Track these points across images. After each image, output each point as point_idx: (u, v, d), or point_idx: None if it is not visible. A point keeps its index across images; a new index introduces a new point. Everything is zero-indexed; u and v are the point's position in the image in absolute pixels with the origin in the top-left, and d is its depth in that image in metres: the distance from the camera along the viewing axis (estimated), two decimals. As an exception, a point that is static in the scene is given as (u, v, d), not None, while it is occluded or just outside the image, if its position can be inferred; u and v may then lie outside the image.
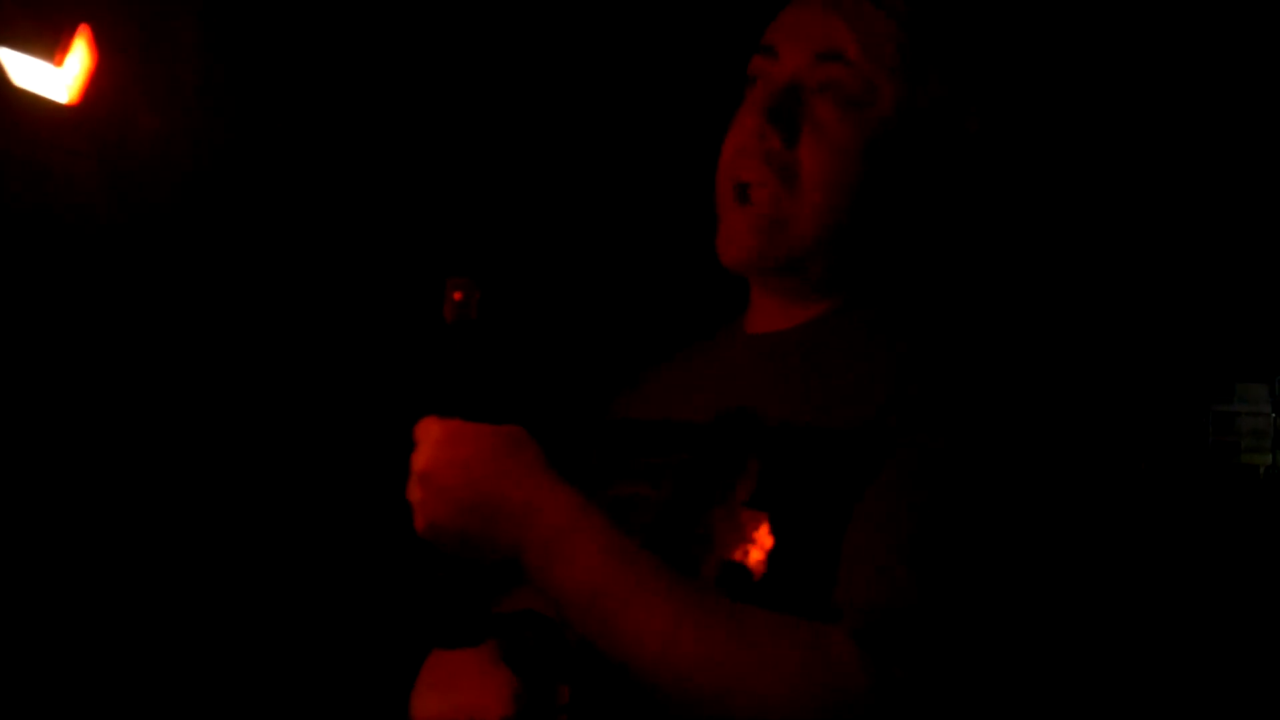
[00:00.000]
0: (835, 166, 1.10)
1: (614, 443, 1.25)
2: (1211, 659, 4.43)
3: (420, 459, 0.98)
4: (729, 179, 1.16)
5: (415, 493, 0.98)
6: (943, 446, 1.03)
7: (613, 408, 1.42)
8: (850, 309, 1.19)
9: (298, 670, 1.59)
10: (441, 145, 1.85)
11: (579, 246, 1.95)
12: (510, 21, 1.88)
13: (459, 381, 1.00)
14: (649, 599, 0.93)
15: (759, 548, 1.05)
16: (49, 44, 1.09)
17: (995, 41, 1.17)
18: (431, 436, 0.98)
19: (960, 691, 0.93)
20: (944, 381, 1.06)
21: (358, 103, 1.72)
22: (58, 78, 1.13)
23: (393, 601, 1.23)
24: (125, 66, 1.14)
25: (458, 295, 0.99)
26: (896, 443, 1.03)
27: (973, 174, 1.19)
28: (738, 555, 1.06)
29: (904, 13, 1.13)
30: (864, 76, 1.10)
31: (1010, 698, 0.99)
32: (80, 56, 1.12)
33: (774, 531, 1.05)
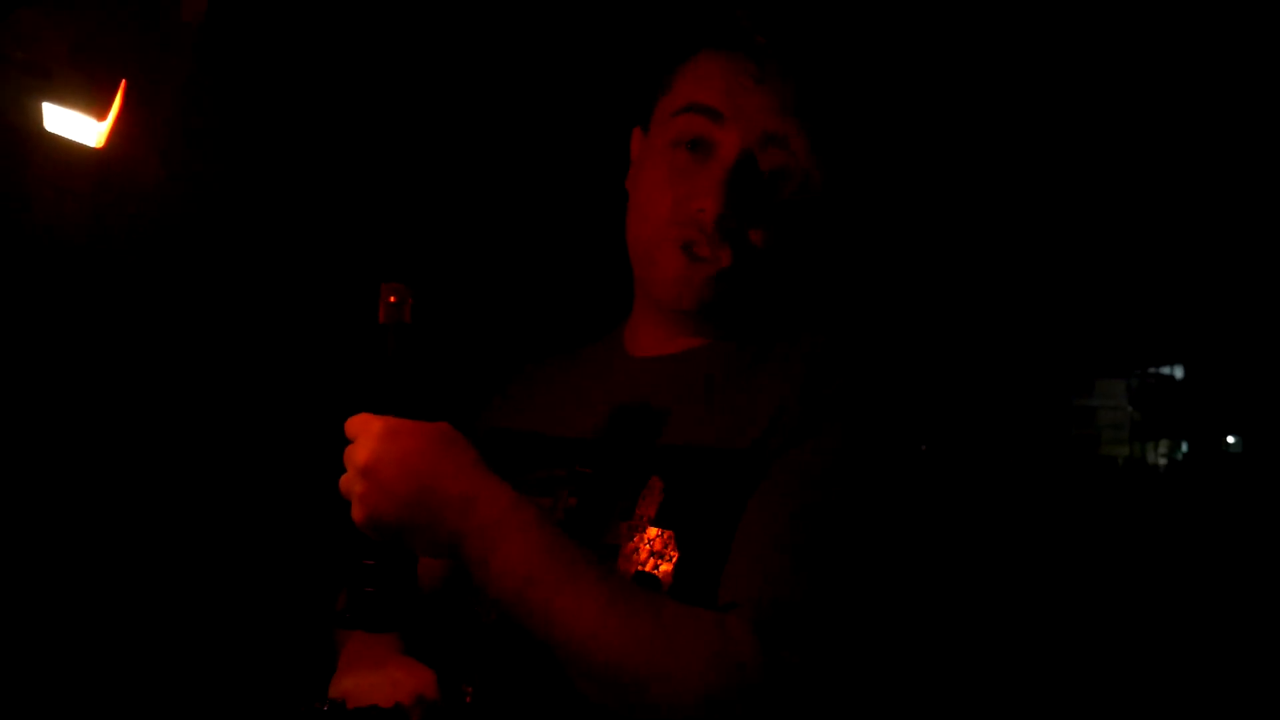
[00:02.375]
0: (781, 245, 1.17)
1: (501, 453, 1.26)
2: (1076, 639, 4.66)
3: (361, 454, 1.01)
4: (677, 236, 1.19)
5: (356, 486, 1.01)
6: (813, 459, 1.12)
7: (486, 415, 1.45)
8: (727, 338, 1.27)
9: (220, 654, 1.62)
10: (379, 166, 1.92)
11: (489, 252, 2.02)
12: (440, 51, 1.95)
13: (392, 380, 1.04)
14: (579, 587, 0.99)
15: (667, 560, 1.12)
16: (95, 100, 1.14)
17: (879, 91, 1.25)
18: (371, 432, 1.02)
19: (840, 667, 1.02)
20: (815, 402, 1.15)
21: (309, 126, 1.79)
22: (91, 124, 1.17)
23: (320, 588, 1.27)
24: (138, 114, 1.17)
25: (392, 299, 1.04)
26: (778, 454, 1.12)
27: (839, 213, 1.29)
28: (648, 567, 1.13)
29: (824, 87, 1.17)
30: (803, 165, 1.15)
31: (881, 672, 1.09)
32: (114, 106, 1.16)
33: (680, 546, 1.13)
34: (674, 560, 1.09)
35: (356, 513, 0.99)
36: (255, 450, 1.72)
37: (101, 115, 1.12)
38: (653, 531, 1.10)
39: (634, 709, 0.95)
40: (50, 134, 1.15)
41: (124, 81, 1.13)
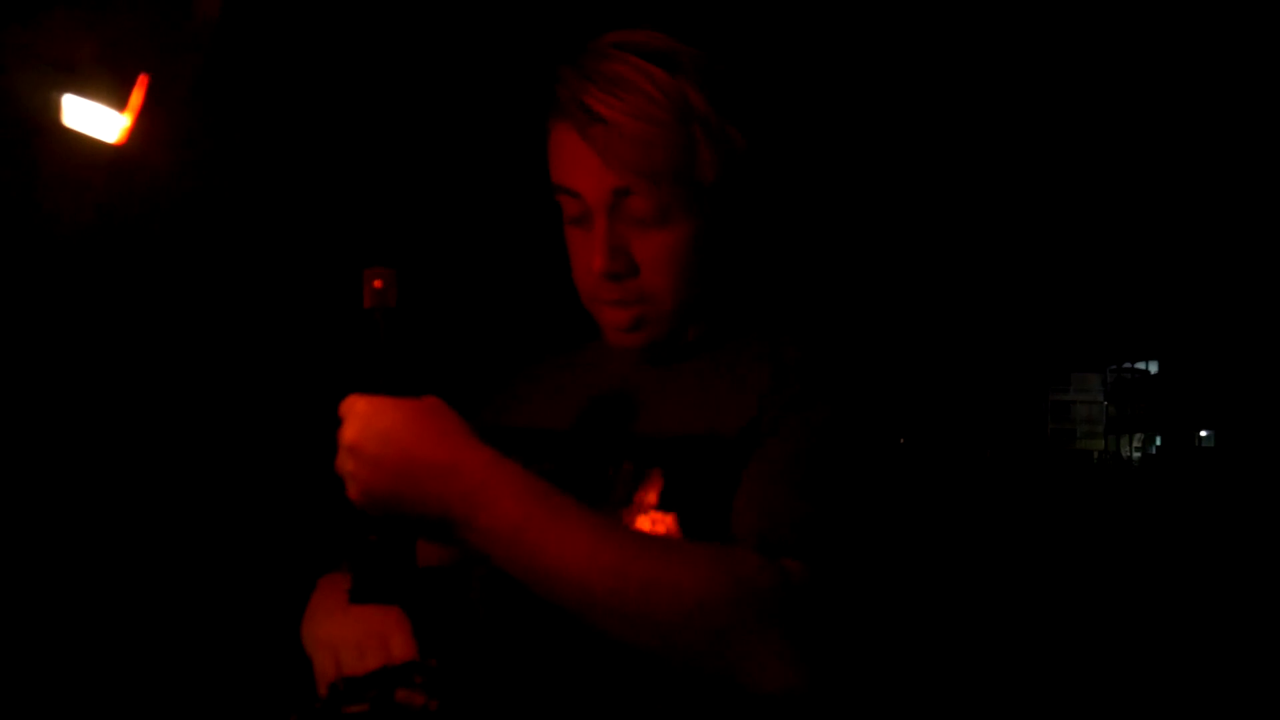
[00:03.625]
0: (674, 271, 1.23)
1: (506, 448, 1.30)
2: (1051, 627, 4.73)
3: (348, 433, 1.04)
4: (598, 298, 1.28)
5: (346, 464, 1.04)
6: (800, 430, 1.17)
7: (493, 407, 1.49)
8: (708, 334, 1.33)
9: (226, 643, 1.65)
10: (362, 160, 1.96)
11: (477, 242, 2.06)
12: (422, 44, 1.98)
13: (379, 362, 1.06)
14: (569, 524, 1.01)
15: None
16: (117, 95, 1.16)
17: (755, 75, 1.28)
18: (357, 411, 1.05)
19: (837, 581, 1.06)
20: (798, 389, 1.21)
21: (302, 127, 1.82)
22: (109, 120, 1.19)
23: (325, 565, 1.30)
24: (153, 107, 1.20)
25: (377, 284, 1.06)
26: (769, 431, 1.17)
27: (770, 194, 1.34)
28: None
29: (663, 103, 1.20)
30: (658, 198, 1.21)
31: (867, 591, 1.14)
32: (134, 102, 1.18)
33: (682, 527, 1.17)
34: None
35: (350, 490, 1.02)
36: (257, 437, 1.75)
37: (122, 108, 1.15)
38: (656, 515, 1.15)
39: (641, 628, 0.98)
40: (66, 128, 1.17)
41: (144, 77, 1.15)
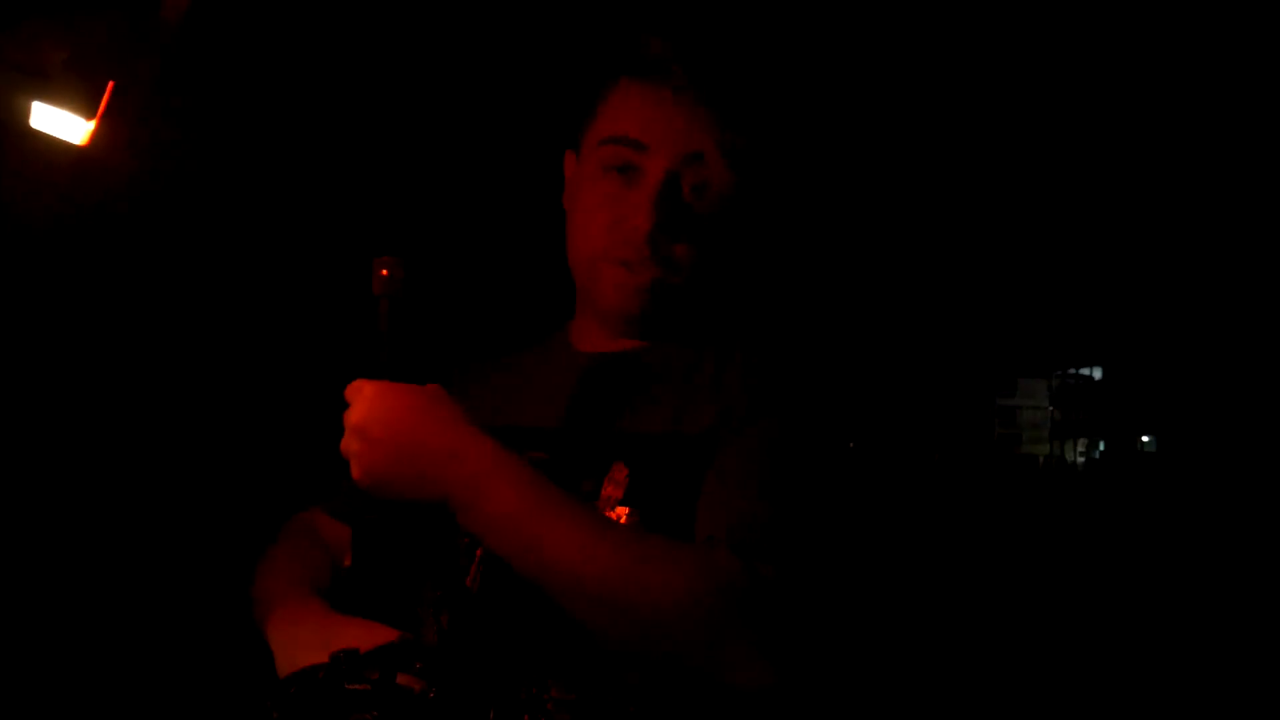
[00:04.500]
0: (706, 253, 1.27)
1: None
2: (996, 628, 4.83)
3: (354, 415, 1.08)
4: (615, 255, 1.29)
5: (351, 445, 1.08)
6: (760, 436, 1.22)
7: None
8: (666, 340, 1.38)
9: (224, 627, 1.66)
10: (369, 154, 1.98)
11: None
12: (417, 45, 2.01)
13: (385, 347, 1.11)
14: (569, 519, 1.06)
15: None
16: (86, 102, 1.19)
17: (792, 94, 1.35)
18: (363, 395, 1.08)
19: (808, 581, 1.12)
20: (756, 399, 1.26)
21: (297, 122, 1.84)
22: (76, 124, 1.21)
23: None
24: (117, 110, 1.22)
25: (385, 272, 1.10)
26: (731, 434, 1.23)
27: (764, 214, 1.40)
28: None
29: (734, 106, 1.27)
30: (720, 178, 1.25)
31: (835, 588, 1.20)
32: (101, 108, 1.21)
33: (644, 523, 1.22)
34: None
35: (354, 470, 1.06)
36: (255, 426, 1.77)
37: (91, 115, 1.18)
38: (619, 510, 1.19)
39: (628, 623, 1.03)
40: (30, 129, 1.19)
41: (111, 83, 1.18)
